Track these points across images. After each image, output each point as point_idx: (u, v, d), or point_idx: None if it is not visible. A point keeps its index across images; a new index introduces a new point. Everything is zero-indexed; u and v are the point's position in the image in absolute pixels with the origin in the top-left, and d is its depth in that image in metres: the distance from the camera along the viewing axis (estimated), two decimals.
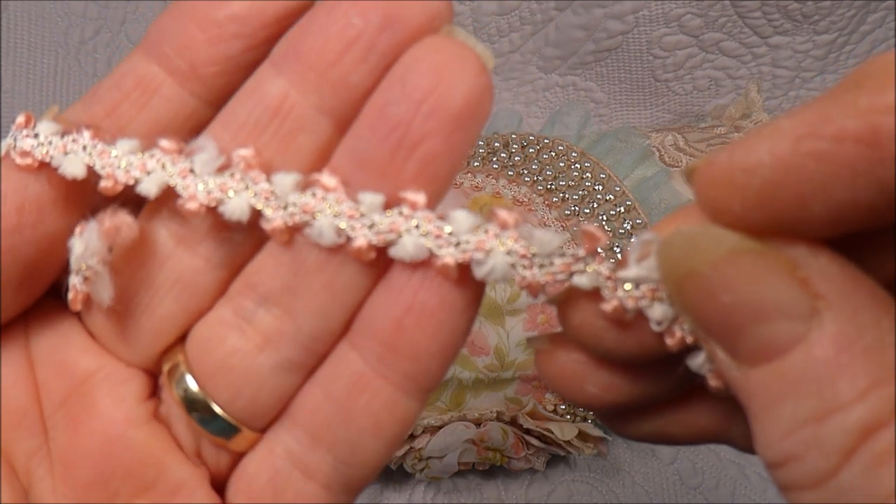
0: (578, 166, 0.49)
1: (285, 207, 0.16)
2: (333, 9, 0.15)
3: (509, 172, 0.49)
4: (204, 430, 0.18)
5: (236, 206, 0.16)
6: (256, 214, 0.16)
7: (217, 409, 0.17)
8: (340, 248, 0.16)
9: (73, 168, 0.17)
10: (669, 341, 0.16)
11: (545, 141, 0.50)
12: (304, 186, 0.16)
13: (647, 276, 0.16)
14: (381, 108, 0.15)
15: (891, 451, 0.13)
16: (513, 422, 0.47)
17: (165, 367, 0.18)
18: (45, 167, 0.17)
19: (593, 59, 0.62)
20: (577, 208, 0.47)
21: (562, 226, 0.46)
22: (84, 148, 0.17)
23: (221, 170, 0.16)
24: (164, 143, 0.17)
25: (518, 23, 0.61)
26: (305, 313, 0.17)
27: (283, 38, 0.16)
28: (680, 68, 0.62)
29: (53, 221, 0.17)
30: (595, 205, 0.47)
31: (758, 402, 0.14)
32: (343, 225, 0.16)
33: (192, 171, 0.16)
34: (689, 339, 0.16)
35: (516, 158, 0.50)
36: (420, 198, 0.15)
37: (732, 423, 0.18)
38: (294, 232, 0.16)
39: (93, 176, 0.17)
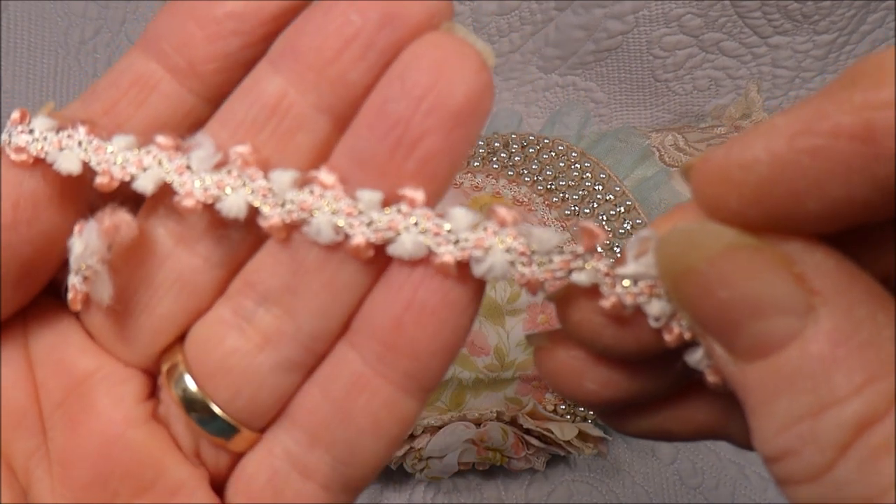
0: (578, 166, 0.49)
1: (283, 205, 0.16)
2: (332, 6, 0.15)
3: (509, 172, 0.49)
4: (203, 430, 0.18)
5: (233, 203, 0.16)
6: (254, 212, 0.16)
7: (216, 410, 0.17)
8: (339, 247, 0.16)
9: (69, 164, 0.16)
10: (667, 337, 0.16)
11: (545, 141, 0.50)
12: (302, 184, 0.16)
13: (645, 272, 0.16)
14: (381, 106, 0.15)
15: (886, 444, 0.13)
16: (513, 422, 0.47)
17: (164, 367, 0.18)
18: (40, 163, 0.17)
19: (593, 59, 0.62)
20: (577, 208, 0.47)
21: (562, 226, 0.46)
22: (79, 144, 0.17)
23: (219, 167, 0.16)
24: (161, 139, 0.16)
25: (518, 23, 0.61)
26: (305, 312, 0.17)
27: (281, 36, 0.16)
28: (680, 68, 0.62)
29: (49, 218, 0.17)
30: (595, 205, 0.47)
31: (755, 397, 0.14)
32: (341, 222, 0.16)
33: (188, 167, 0.16)
34: (687, 336, 0.16)
35: (516, 158, 0.50)
36: (419, 195, 0.15)
37: (730, 419, 0.18)
38: (292, 229, 0.16)
39: (89, 173, 0.17)
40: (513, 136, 0.51)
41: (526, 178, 0.49)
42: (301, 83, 0.16)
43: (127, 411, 0.18)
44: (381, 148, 0.15)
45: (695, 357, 0.16)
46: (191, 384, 0.17)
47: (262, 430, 0.18)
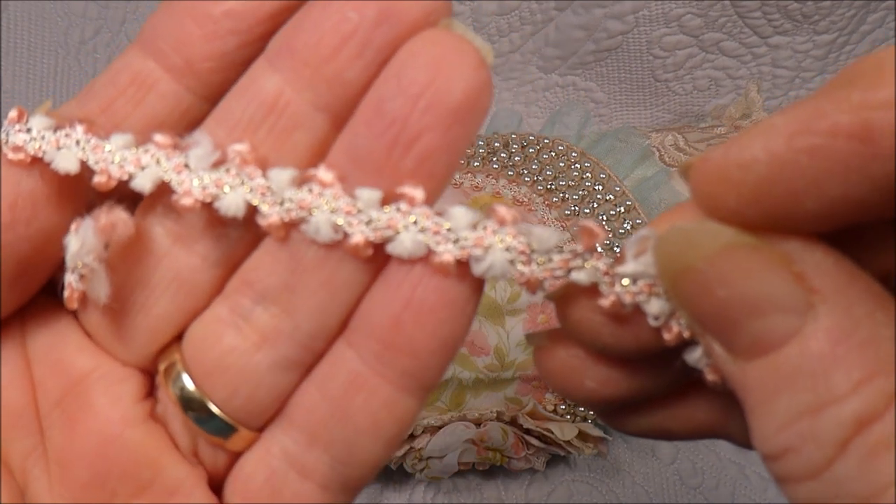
0: (578, 166, 0.49)
1: (281, 203, 0.16)
2: (328, 4, 0.15)
3: (509, 172, 0.49)
4: (201, 429, 0.18)
5: (232, 202, 0.16)
6: (252, 210, 0.16)
7: (214, 409, 0.17)
8: (338, 245, 0.16)
9: (66, 163, 0.16)
10: (667, 336, 0.16)
11: (545, 141, 0.50)
12: (301, 182, 0.16)
13: (644, 271, 0.16)
14: (378, 104, 0.15)
15: (885, 442, 0.13)
16: (513, 422, 0.47)
17: (162, 366, 0.18)
18: (37, 162, 0.17)
19: (593, 59, 0.62)
20: (577, 208, 0.47)
21: (562, 226, 0.46)
22: (77, 143, 0.17)
23: (217, 165, 0.16)
24: (159, 138, 0.16)
25: (518, 23, 0.61)
26: (303, 311, 0.17)
27: (278, 34, 0.16)
28: (680, 68, 0.62)
29: (47, 217, 0.17)
30: (595, 205, 0.47)
31: (754, 395, 0.14)
32: (340, 221, 0.16)
33: (186, 166, 0.16)
34: (686, 334, 0.16)
35: (516, 158, 0.50)
36: (418, 193, 0.15)
37: (730, 418, 0.18)
38: (290, 228, 0.16)
39: (87, 172, 0.17)
40: (513, 136, 0.51)
41: (526, 178, 0.49)
42: (298, 81, 0.16)
43: (124, 410, 0.18)
44: (379, 146, 0.15)
45: (694, 356, 0.16)
46: (188, 383, 0.17)
47: (260, 430, 0.18)
